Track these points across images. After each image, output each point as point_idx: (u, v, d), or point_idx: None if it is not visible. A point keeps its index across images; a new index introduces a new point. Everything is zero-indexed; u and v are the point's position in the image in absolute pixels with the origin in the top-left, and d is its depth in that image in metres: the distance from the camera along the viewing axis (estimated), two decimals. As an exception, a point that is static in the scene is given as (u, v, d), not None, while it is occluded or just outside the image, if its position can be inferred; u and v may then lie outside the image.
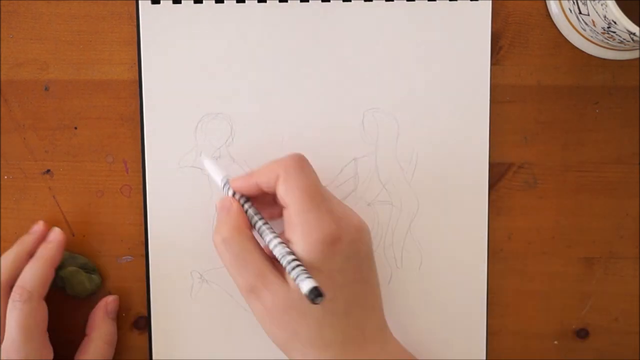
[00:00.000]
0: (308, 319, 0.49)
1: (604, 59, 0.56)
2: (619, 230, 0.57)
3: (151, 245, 0.56)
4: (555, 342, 0.58)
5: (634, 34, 0.47)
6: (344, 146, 0.56)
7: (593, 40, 0.54)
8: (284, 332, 0.50)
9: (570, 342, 0.58)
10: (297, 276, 0.46)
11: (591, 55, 0.56)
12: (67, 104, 0.56)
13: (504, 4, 0.56)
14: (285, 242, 0.48)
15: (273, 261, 0.49)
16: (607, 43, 0.53)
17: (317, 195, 0.49)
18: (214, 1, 0.55)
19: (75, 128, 0.56)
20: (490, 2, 0.55)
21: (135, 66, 0.56)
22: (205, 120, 0.55)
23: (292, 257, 0.47)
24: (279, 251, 0.48)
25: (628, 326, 0.58)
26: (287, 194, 0.49)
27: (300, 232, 0.48)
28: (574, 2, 0.52)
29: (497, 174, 0.57)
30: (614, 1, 0.47)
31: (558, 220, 0.57)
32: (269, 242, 0.49)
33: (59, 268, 0.55)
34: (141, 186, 0.56)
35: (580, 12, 0.52)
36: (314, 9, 0.55)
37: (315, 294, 0.44)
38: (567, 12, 0.54)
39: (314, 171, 0.50)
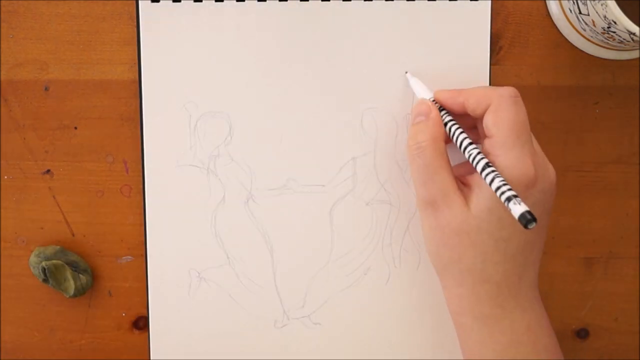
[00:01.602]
0: (477, 249, 0.48)
1: (604, 59, 0.56)
2: (619, 230, 0.57)
3: (150, 244, 0.56)
4: (555, 342, 0.58)
5: (634, 34, 0.47)
6: (343, 145, 0.56)
7: (593, 40, 0.54)
8: (447, 253, 0.49)
9: (570, 342, 0.58)
10: (510, 198, 0.44)
11: (591, 55, 0.56)
12: (67, 104, 0.56)
13: (504, 4, 0.56)
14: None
15: (458, 181, 0.49)
16: (607, 43, 0.52)
17: (525, 133, 0.48)
18: (213, 0, 0.55)
19: (75, 128, 0.56)
20: (490, 2, 0.55)
21: (135, 66, 0.56)
22: (204, 118, 0.55)
23: (501, 179, 0.45)
24: (485, 169, 0.46)
25: (628, 326, 0.58)
26: (495, 125, 0.48)
27: (499, 165, 0.47)
28: (574, 2, 0.52)
29: (497, 174, 0.57)
30: (614, 1, 0.47)
31: (558, 220, 0.57)
32: (474, 157, 0.47)
33: (45, 259, 0.56)
34: (141, 186, 0.56)
35: (580, 12, 0.52)
36: (314, 8, 0.55)
37: (528, 219, 0.43)
38: (567, 12, 0.54)
39: (524, 109, 0.49)
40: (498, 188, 0.45)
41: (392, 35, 0.55)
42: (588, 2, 0.50)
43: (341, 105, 0.55)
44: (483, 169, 0.46)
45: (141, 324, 0.58)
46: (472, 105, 0.49)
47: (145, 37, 0.55)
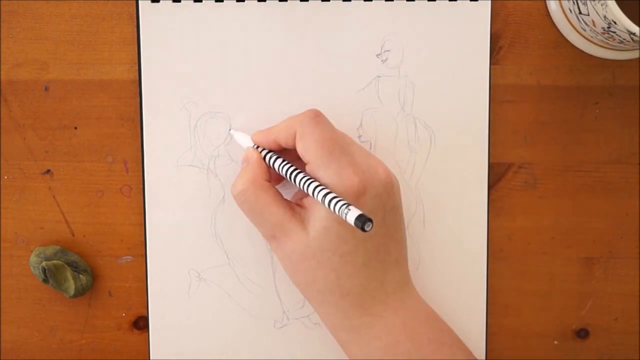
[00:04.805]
0: (326, 268, 0.49)
1: (604, 59, 0.56)
2: (619, 230, 0.57)
3: (149, 244, 0.56)
4: (555, 342, 0.58)
5: (634, 34, 0.47)
6: (343, 146, 0.56)
7: (593, 40, 0.54)
8: (303, 278, 0.50)
9: (570, 342, 0.58)
10: (340, 208, 0.45)
11: (591, 55, 0.56)
12: (67, 104, 0.56)
13: (504, 4, 0.56)
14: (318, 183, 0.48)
15: (292, 209, 0.50)
16: (607, 43, 0.52)
17: (336, 148, 0.48)
18: (213, 0, 0.55)
19: (75, 128, 0.56)
20: (490, 2, 0.55)
21: (135, 66, 0.56)
22: (204, 119, 0.55)
23: (327, 191, 0.46)
24: (312, 188, 0.47)
25: (628, 326, 0.58)
26: (305, 150, 0.49)
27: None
28: (574, 2, 0.52)
29: (497, 174, 0.57)
30: (614, 1, 0.47)
31: (558, 220, 0.57)
32: (300, 180, 0.48)
33: (45, 259, 0.56)
34: (141, 186, 0.56)
35: (580, 12, 0.52)
36: (314, 9, 0.55)
37: (363, 221, 0.43)
38: (567, 12, 0.54)
39: (330, 124, 0.50)
40: (330, 203, 0.45)
41: (392, 35, 0.55)
42: (588, 2, 0.50)
43: (341, 106, 0.55)
44: (313, 191, 0.47)
45: (141, 324, 0.58)
46: (283, 140, 0.50)
47: (145, 37, 0.55)
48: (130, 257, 0.57)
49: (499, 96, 0.56)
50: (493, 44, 0.56)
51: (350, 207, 0.44)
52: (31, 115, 0.56)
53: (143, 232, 0.56)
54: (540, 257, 0.58)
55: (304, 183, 0.48)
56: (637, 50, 0.55)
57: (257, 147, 0.52)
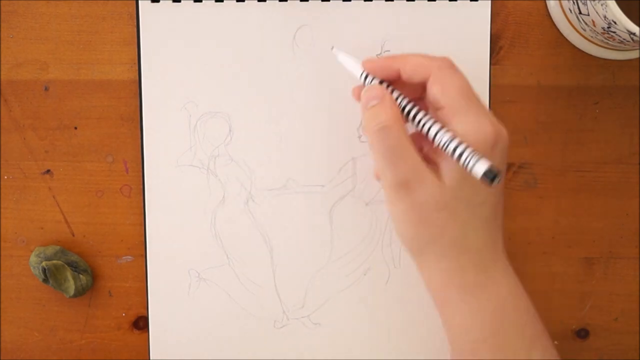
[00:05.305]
0: (457, 219, 0.47)
1: (604, 59, 0.56)
2: (619, 230, 0.57)
3: (149, 244, 0.56)
4: (555, 342, 0.58)
5: (634, 34, 0.47)
6: (343, 145, 0.56)
7: (593, 40, 0.54)
8: (428, 231, 0.47)
9: (570, 342, 0.58)
10: (470, 157, 0.43)
11: (591, 55, 0.56)
12: (67, 104, 0.56)
13: (504, 4, 0.56)
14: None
15: (424, 158, 0.47)
16: (607, 43, 0.52)
17: (474, 96, 0.47)
18: (213, 0, 0.55)
19: (75, 128, 0.56)
20: (490, 2, 0.55)
21: (135, 66, 0.56)
22: (203, 119, 0.55)
23: (460, 140, 0.44)
24: (443, 135, 0.45)
25: (628, 326, 0.58)
26: (443, 95, 0.46)
27: (460, 133, 0.45)
28: (574, 2, 0.52)
29: (497, 174, 0.57)
30: (614, 1, 0.47)
31: (558, 220, 0.57)
32: (431, 127, 0.46)
33: (45, 259, 0.56)
34: (141, 186, 0.56)
35: (580, 12, 0.52)
36: (314, 9, 0.55)
37: (493, 175, 0.42)
38: (567, 12, 0.54)
39: (464, 74, 0.48)
40: (459, 147, 0.44)
41: (392, 35, 0.55)
42: (588, 2, 0.50)
43: (341, 106, 0.55)
44: (447, 140, 0.45)
45: (141, 324, 0.58)
46: (409, 72, 0.48)
47: (145, 37, 0.55)
48: (130, 257, 0.57)
49: (499, 96, 0.56)
50: (493, 44, 0.56)
51: (480, 158, 0.43)
52: (31, 115, 0.56)
53: (143, 232, 0.56)
54: (540, 257, 0.58)
55: (437, 131, 0.46)
56: (637, 50, 0.55)
57: (386, 85, 0.49)
